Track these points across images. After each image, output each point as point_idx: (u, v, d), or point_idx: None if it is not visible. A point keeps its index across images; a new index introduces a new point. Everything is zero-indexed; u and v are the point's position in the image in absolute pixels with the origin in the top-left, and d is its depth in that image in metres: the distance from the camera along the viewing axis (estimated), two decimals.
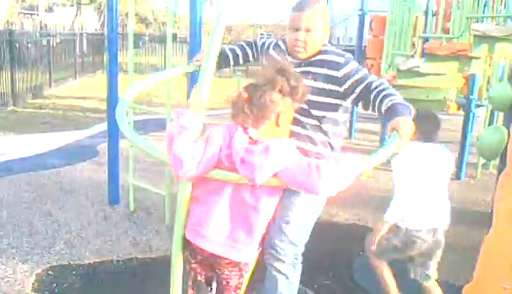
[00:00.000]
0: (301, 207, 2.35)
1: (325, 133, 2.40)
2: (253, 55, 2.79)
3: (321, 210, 2.46)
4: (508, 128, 3.56)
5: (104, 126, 8.22)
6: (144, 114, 7.06)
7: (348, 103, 2.39)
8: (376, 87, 2.25)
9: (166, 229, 4.09)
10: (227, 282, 2.08)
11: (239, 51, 2.79)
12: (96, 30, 25.07)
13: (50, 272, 3.31)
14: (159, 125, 6.16)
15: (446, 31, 4.99)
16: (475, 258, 2.47)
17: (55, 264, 3.42)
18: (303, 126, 2.36)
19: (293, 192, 2.13)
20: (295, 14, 2.34)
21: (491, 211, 3.78)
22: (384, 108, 2.15)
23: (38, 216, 4.22)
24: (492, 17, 4.49)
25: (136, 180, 4.42)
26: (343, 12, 11.21)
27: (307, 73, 2.29)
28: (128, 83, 3.96)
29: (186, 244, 2.01)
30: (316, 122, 2.36)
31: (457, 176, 6.07)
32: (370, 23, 7.41)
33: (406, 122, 1.96)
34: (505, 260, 2.36)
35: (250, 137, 1.83)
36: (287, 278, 2.45)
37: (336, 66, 2.31)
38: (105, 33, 4.49)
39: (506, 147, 3.46)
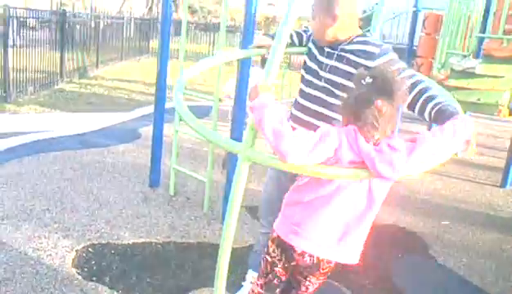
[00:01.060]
0: None
1: None
2: (302, 42, 2.78)
3: None
4: None
5: (147, 110, 8.37)
6: (187, 101, 7.09)
7: None
8: (416, 85, 2.20)
9: (204, 216, 4.09)
10: (307, 288, 2.06)
11: (299, 36, 2.79)
12: (143, 15, 25.41)
13: (90, 249, 3.36)
14: (202, 112, 6.17)
15: (506, 33, 4.76)
16: None
17: (95, 242, 3.46)
18: (331, 108, 2.40)
19: None
20: None
21: None
22: (432, 111, 2.10)
23: (80, 193, 4.28)
24: None
25: (177, 165, 4.43)
26: (393, 9, 10.89)
27: (342, 57, 2.36)
28: (176, 69, 3.97)
29: (280, 247, 1.97)
30: None
31: (502, 184, 5.84)
32: (424, 21, 7.19)
33: (468, 122, 1.88)
34: None
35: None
36: None
37: (371, 56, 2.30)
38: (159, 18, 4.51)
39: None
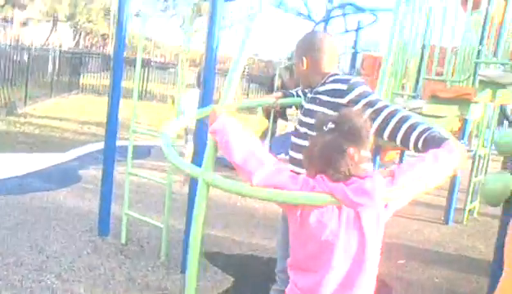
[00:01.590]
0: None
1: None
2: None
3: None
4: None
5: (82, 151, 7.99)
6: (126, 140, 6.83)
7: None
8: (394, 114, 2.17)
9: (161, 265, 3.87)
10: None
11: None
12: (70, 48, 24.59)
13: None
14: (141, 152, 5.97)
15: (438, 74, 5.04)
16: None
17: None
18: None
19: None
20: None
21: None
22: (419, 141, 2.08)
23: (24, 244, 3.92)
24: (502, 64, 4.54)
25: (128, 211, 4.20)
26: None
27: (315, 99, 2.41)
28: (128, 108, 3.79)
29: None
30: None
31: (445, 221, 6.10)
32: (362, 62, 7.47)
33: (457, 147, 1.90)
34: None
35: None
36: None
37: (341, 94, 2.32)
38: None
39: None
